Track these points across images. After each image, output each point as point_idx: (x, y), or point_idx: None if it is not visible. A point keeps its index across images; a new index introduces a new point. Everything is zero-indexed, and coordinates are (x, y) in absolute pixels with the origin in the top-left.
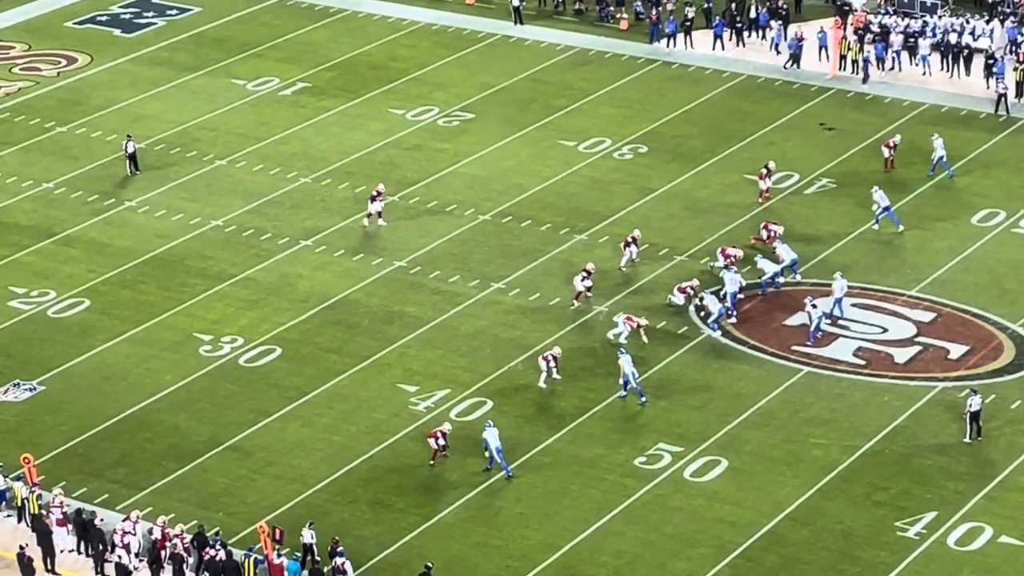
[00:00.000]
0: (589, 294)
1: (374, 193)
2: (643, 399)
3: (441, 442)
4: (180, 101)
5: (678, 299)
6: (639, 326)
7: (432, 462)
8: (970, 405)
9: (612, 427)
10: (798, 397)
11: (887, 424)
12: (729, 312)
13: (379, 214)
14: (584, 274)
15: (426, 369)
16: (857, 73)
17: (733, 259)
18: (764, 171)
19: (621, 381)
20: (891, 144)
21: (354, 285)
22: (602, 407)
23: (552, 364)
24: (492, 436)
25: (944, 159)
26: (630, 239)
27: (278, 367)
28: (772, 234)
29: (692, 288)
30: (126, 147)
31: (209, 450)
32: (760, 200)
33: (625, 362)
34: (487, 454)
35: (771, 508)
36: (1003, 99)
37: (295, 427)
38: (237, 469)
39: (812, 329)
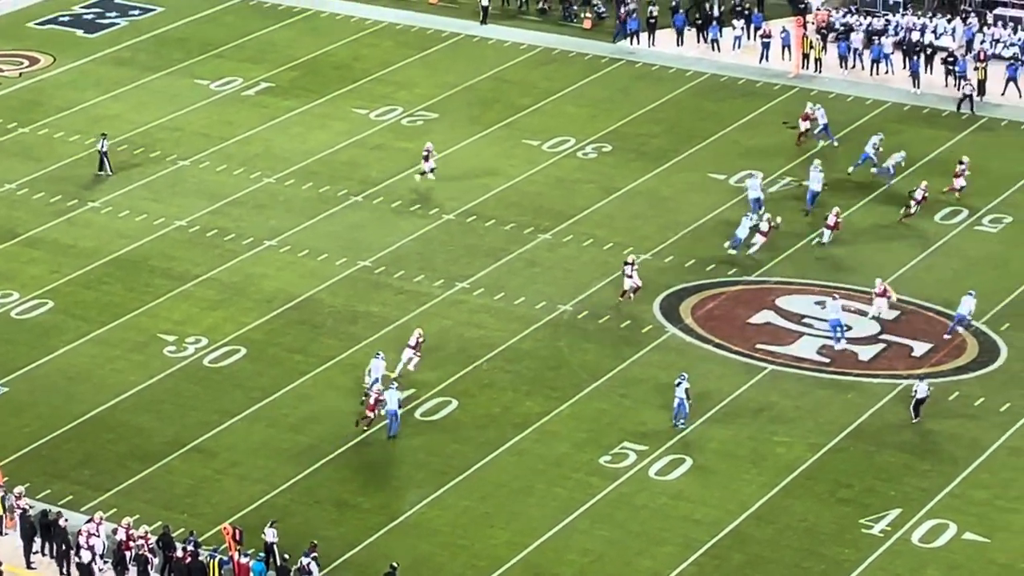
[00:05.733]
0: (635, 293)
1: (424, 152)
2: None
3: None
4: (143, 101)
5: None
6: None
7: (359, 422)
8: (915, 392)
9: (577, 426)
10: (762, 395)
11: (851, 422)
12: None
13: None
14: (629, 268)
15: (391, 369)
16: (820, 72)
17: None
18: (807, 112)
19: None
20: (808, 116)
21: (318, 285)
22: (567, 406)
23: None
24: (377, 367)
25: (827, 126)
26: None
27: (243, 367)
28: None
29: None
30: (101, 145)
31: (173, 451)
32: (799, 142)
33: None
34: (365, 385)
35: (736, 506)
36: (968, 99)
37: (260, 427)
38: (202, 470)
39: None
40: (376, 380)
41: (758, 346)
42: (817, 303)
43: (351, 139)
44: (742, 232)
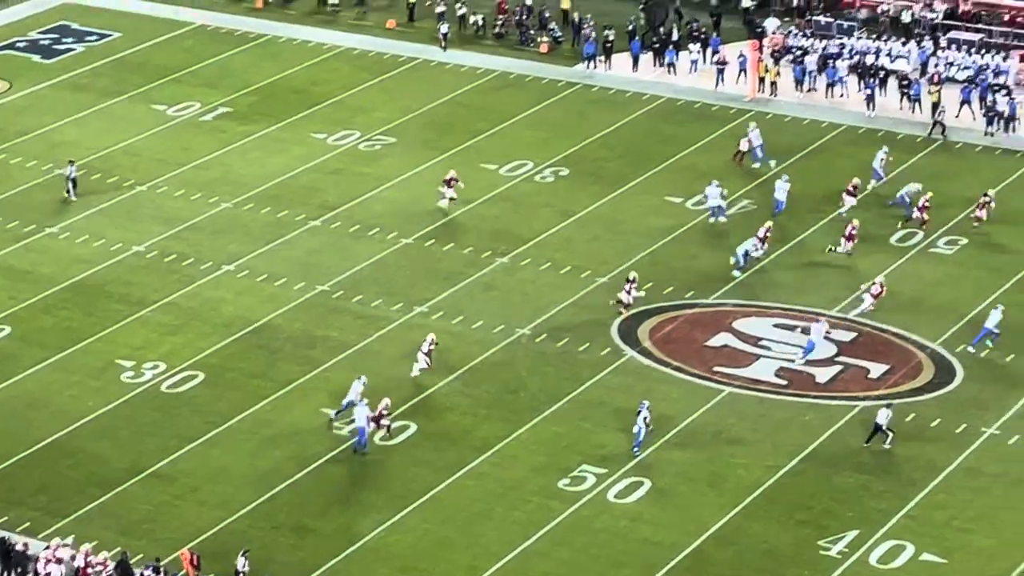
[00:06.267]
0: (625, 309)
1: (448, 178)
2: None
3: (384, 422)
4: (101, 127)
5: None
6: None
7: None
8: (877, 416)
9: (536, 450)
10: (720, 418)
11: (809, 443)
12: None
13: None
14: (628, 285)
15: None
16: (775, 95)
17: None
18: (746, 136)
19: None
20: (749, 138)
21: (277, 310)
22: (526, 429)
23: (428, 354)
24: (355, 389)
25: (762, 146)
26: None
27: (201, 393)
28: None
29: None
30: (69, 172)
31: (132, 477)
32: (736, 161)
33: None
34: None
35: (695, 528)
36: (940, 124)
37: (218, 453)
38: (160, 496)
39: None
40: (350, 402)
41: (716, 368)
42: (792, 325)
43: (309, 164)
44: (741, 249)
